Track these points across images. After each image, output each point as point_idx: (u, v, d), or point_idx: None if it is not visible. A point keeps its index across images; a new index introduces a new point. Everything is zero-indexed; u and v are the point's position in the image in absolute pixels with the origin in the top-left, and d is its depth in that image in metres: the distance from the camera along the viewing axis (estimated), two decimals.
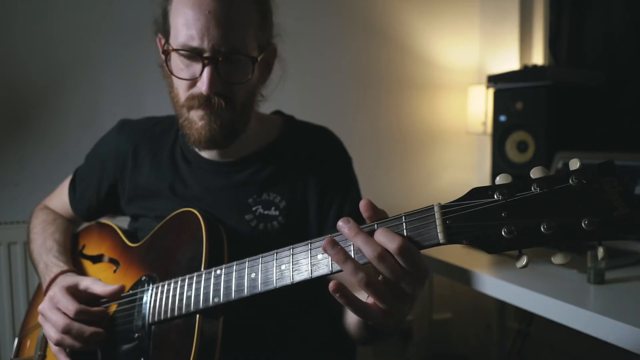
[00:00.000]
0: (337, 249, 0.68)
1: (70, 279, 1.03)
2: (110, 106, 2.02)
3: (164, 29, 1.02)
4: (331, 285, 0.67)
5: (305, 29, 2.31)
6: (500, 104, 2.04)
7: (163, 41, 1.05)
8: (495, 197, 0.62)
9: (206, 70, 0.96)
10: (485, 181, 2.49)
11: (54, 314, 0.97)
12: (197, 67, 0.97)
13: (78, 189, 1.23)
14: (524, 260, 0.62)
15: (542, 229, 0.59)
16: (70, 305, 0.96)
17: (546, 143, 1.87)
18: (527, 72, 1.98)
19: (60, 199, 1.27)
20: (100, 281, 1.01)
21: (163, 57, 1.04)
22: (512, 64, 2.43)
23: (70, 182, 1.25)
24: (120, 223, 1.21)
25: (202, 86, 0.97)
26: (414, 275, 0.68)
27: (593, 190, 0.59)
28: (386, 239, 0.66)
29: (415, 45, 2.52)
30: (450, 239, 0.65)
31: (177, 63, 0.99)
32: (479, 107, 2.40)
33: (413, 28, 2.51)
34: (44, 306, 0.99)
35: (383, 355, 2.36)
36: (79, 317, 0.96)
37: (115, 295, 1.00)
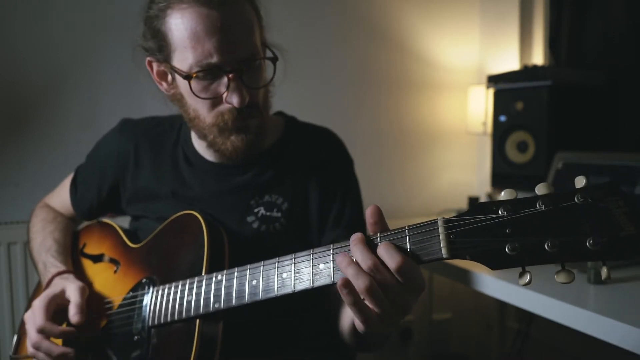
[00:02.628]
0: (341, 257, 0.68)
1: (62, 283, 1.02)
2: (110, 106, 2.02)
3: (160, 50, 0.97)
4: (340, 281, 0.67)
5: (305, 30, 2.31)
6: (500, 104, 2.04)
7: (156, 65, 1.01)
8: (500, 213, 0.62)
9: (234, 85, 0.94)
10: (486, 181, 2.49)
11: (30, 327, 0.97)
12: (219, 83, 0.95)
13: (79, 188, 1.23)
14: (527, 278, 0.61)
15: (546, 247, 0.59)
16: (37, 320, 0.96)
17: (546, 143, 1.87)
18: (527, 72, 1.98)
19: (61, 198, 1.27)
20: (80, 292, 0.99)
21: (166, 82, 1.01)
22: (512, 64, 2.43)
23: (71, 181, 1.25)
24: (121, 223, 1.21)
25: (233, 101, 0.95)
26: (410, 290, 0.68)
27: (599, 209, 0.58)
28: (387, 256, 0.66)
29: (415, 45, 2.52)
30: (453, 254, 0.64)
31: (194, 84, 0.95)
32: (479, 107, 2.39)
33: (413, 28, 2.51)
34: (27, 315, 0.99)
35: (383, 355, 2.36)
36: (41, 333, 0.95)
37: (76, 323, 0.97)
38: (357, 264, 0.67)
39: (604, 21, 2.14)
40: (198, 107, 0.99)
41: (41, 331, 0.95)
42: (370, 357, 2.22)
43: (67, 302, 1.00)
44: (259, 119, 1.01)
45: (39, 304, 0.97)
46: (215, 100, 0.97)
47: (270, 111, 1.08)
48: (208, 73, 0.94)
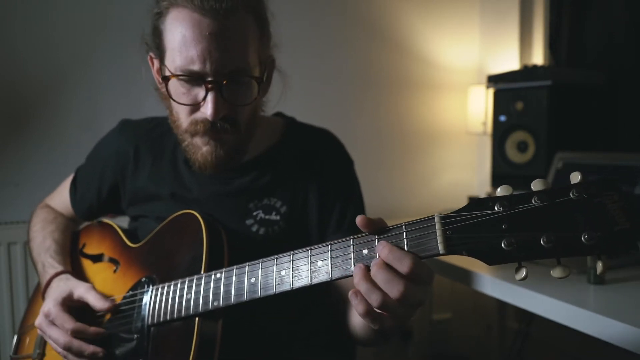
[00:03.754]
0: (359, 267, 0.69)
1: (65, 285, 1.03)
2: (110, 106, 2.02)
3: (157, 47, 0.98)
4: (351, 292, 0.68)
5: (305, 30, 2.31)
6: (500, 104, 2.04)
7: (156, 61, 1.01)
8: (496, 208, 0.63)
9: (210, 96, 0.92)
10: (486, 181, 2.49)
11: (53, 331, 0.98)
12: (199, 91, 0.94)
13: (79, 189, 1.23)
14: (523, 273, 0.62)
15: (541, 242, 0.59)
16: (66, 324, 0.96)
17: (546, 143, 1.87)
18: (527, 72, 1.98)
19: (61, 198, 1.27)
20: (93, 290, 1.01)
21: (159, 79, 1.01)
22: (512, 64, 2.43)
23: (71, 181, 1.25)
24: (120, 223, 1.21)
25: (207, 112, 0.93)
26: (422, 287, 0.67)
27: (594, 204, 0.59)
28: (395, 260, 0.66)
29: (415, 45, 2.52)
30: (450, 250, 0.64)
31: (177, 87, 0.95)
32: (479, 107, 2.40)
33: (413, 28, 2.51)
34: (40, 322, 1.00)
35: (383, 355, 2.36)
36: (75, 336, 0.96)
37: (106, 311, 1.00)
38: (371, 279, 0.67)
39: (604, 21, 2.14)
40: (179, 109, 0.98)
41: (75, 333, 0.96)
42: (371, 357, 2.23)
43: (77, 303, 1.01)
44: (235, 136, 0.98)
45: (55, 310, 0.98)
46: (194, 107, 0.96)
47: (254, 132, 1.05)
48: (190, 79, 0.93)
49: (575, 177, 0.61)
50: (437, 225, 0.66)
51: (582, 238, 0.58)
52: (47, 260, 1.11)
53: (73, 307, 1.01)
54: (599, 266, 0.59)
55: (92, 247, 1.18)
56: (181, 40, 0.90)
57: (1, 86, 1.90)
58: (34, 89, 1.95)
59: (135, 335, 0.97)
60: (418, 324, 2.53)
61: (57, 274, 1.07)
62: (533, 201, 0.61)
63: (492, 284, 1.36)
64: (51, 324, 0.98)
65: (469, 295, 2.50)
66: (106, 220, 1.23)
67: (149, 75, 1.07)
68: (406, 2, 2.49)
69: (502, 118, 2.02)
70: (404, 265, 0.65)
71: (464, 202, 2.65)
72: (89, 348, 0.97)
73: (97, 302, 0.99)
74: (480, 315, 2.58)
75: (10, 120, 1.93)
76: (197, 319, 0.89)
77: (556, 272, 0.61)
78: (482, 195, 2.42)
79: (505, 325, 2.49)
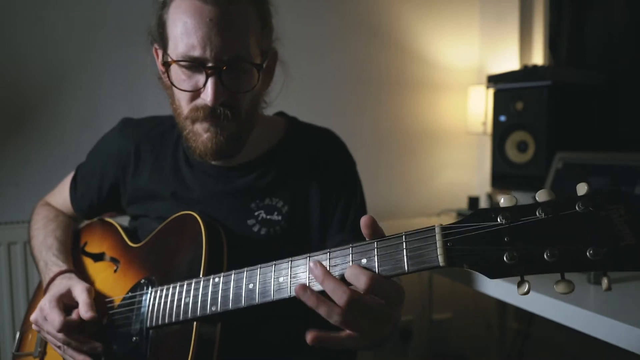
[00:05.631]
0: (308, 294, 0.70)
1: (66, 283, 1.02)
2: (110, 106, 2.02)
3: (161, 38, 0.99)
4: (309, 338, 0.70)
5: (305, 30, 2.31)
6: (500, 104, 2.05)
7: (160, 52, 1.02)
8: (499, 220, 0.60)
9: (210, 81, 0.93)
10: (485, 181, 2.49)
11: (49, 327, 0.98)
12: (200, 77, 0.94)
13: (79, 187, 1.23)
14: (525, 287, 0.60)
15: (545, 256, 0.57)
16: (55, 319, 0.95)
17: (546, 143, 1.87)
18: (527, 72, 1.98)
19: (61, 196, 1.27)
20: (86, 293, 1.00)
21: (162, 68, 1.02)
22: (512, 64, 2.43)
23: (72, 179, 1.25)
24: (121, 221, 1.21)
25: (207, 97, 0.93)
26: (388, 304, 0.68)
27: (600, 218, 0.56)
28: (354, 279, 0.67)
29: (415, 45, 2.52)
30: (450, 262, 0.63)
31: (178, 74, 0.96)
32: (479, 107, 2.40)
33: (413, 28, 2.51)
34: (36, 317, 0.99)
35: (383, 356, 2.36)
36: (63, 330, 0.95)
37: (89, 320, 0.98)
38: (326, 303, 0.68)
39: (604, 21, 2.14)
40: (180, 96, 0.98)
41: (64, 328, 0.95)
42: (370, 357, 2.22)
43: (74, 302, 1.00)
44: (235, 123, 0.99)
45: (49, 305, 0.97)
46: (195, 94, 0.97)
47: (255, 121, 1.05)
48: (191, 65, 0.94)
49: (582, 189, 0.58)
50: (438, 237, 0.64)
51: (587, 253, 0.56)
52: (50, 259, 1.11)
53: (70, 305, 1.00)
54: (605, 283, 0.57)
55: (94, 245, 1.18)
56: (183, 27, 0.92)
57: (1, 86, 1.90)
58: (34, 89, 1.95)
59: (134, 338, 0.97)
60: (418, 324, 2.53)
61: (61, 272, 1.06)
62: (537, 213, 0.59)
63: (493, 284, 1.36)
64: (45, 319, 0.98)
65: (469, 295, 2.50)
66: (107, 218, 1.23)
67: (152, 71, 1.08)
68: (406, 2, 2.49)
69: (502, 118, 2.03)
70: (361, 283, 0.66)
71: (463, 202, 2.65)
72: (88, 344, 0.97)
73: (82, 307, 0.98)
74: (480, 315, 2.58)
75: (10, 120, 1.93)
76: (195, 323, 0.89)
77: (560, 288, 0.58)
78: (482, 195, 2.42)
79: (505, 325, 2.49)
